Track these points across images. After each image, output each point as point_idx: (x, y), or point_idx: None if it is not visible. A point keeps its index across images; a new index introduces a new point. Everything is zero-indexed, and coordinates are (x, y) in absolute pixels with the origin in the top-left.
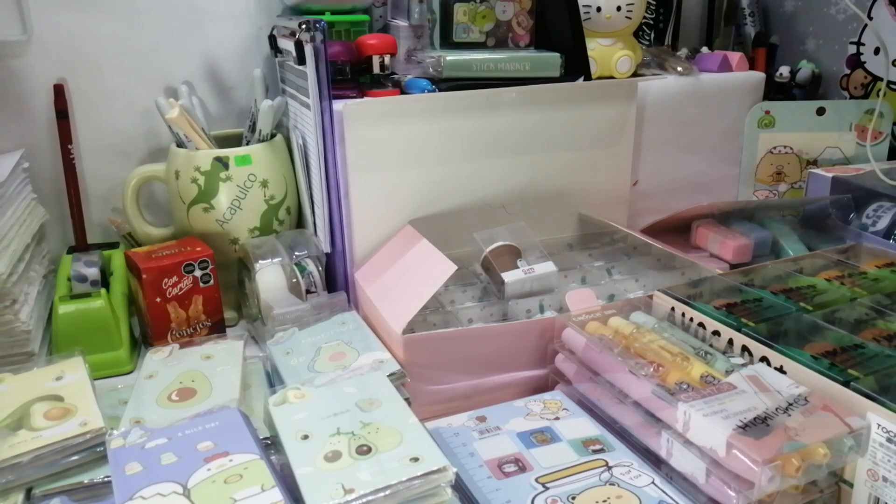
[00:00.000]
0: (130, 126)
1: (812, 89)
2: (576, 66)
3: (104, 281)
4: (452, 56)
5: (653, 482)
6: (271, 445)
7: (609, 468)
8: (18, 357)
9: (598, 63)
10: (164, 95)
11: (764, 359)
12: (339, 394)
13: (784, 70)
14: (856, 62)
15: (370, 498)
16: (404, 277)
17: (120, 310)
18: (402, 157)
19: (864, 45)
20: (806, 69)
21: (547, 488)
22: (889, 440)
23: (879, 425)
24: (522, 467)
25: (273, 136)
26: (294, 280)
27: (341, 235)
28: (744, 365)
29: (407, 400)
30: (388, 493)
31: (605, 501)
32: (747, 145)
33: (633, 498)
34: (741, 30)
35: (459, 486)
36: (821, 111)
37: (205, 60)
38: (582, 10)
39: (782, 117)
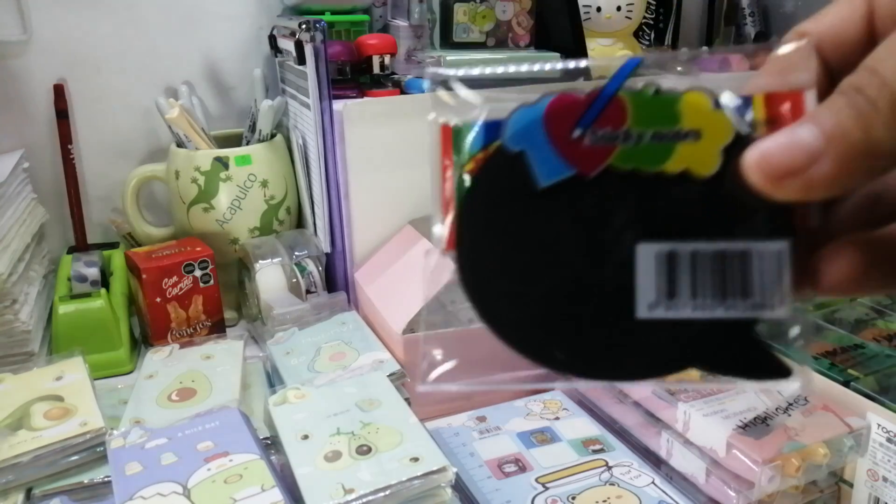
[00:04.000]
0: (130, 126)
1: None
2: None
3: (104, 281)
4: (452, 56)
5: (653, 482)
6: (271, 445)
7: (609, 468)
8: (18, 357)
9: None
10: (164, 95)
11: None
12: (339, 394)
13: None
14: None
15: (370, 498)
16: (404, 277)
17: (120, 310)
18: (402, 157)
19: None
20: None
21: (547, 488)
22: (889, 440)
23: (879, 425)
24: (522, 467)
25: (273, 136)
26: (294, 280)
27: (341, 235)
28: None
29: (407, 400)
30: (388, 493)
31: (605, 501)
32: None
33: (633, 498)
34: (741, 30)
35: (459, 486)
36: None
37: (205, 60)
38: (582, 10)
39: None
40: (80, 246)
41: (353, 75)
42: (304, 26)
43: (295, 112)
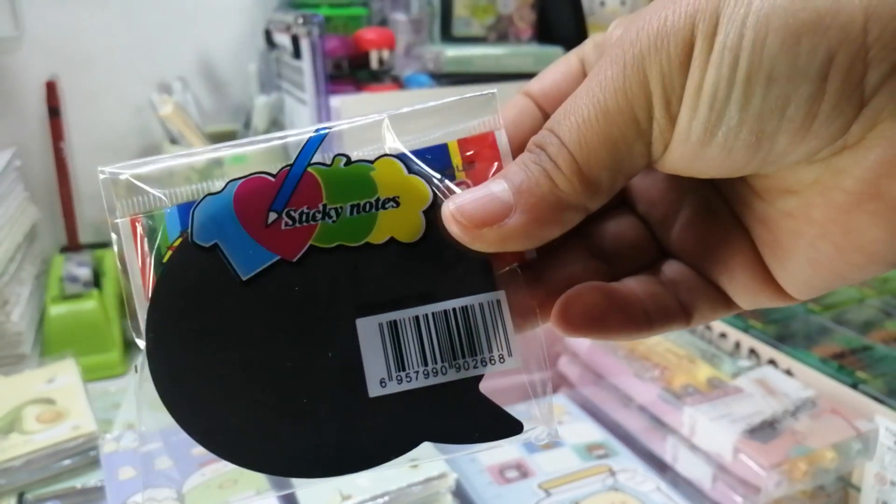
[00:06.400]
0: (123, 123)
1: None
2: None
3: (96, 281)
4: (453, 51)
5: (658, 488)
6: None
7: (613, 474)
8: (9, 359)
9: None
10: (158, 92)
11: (771, 361)
12: None
13: None
14: None
15: None
16: None
17: (112, 311)
18: None
19: None
20: None
21: (550, 494)
22: None
23: (888, 428)
24: (524, 473)
25: (268, 132)
26: None
27: None
28: (751, 368)
29: None
30: (386, 499)
31: None
32: None
33: None
34: None
35: (460, 493)
36: None
37: (199, 56)
38: (585, 3)
39: None
40: (72, 246)
41: (351, 70)
42: (300, 20)
43: (291, 108)
